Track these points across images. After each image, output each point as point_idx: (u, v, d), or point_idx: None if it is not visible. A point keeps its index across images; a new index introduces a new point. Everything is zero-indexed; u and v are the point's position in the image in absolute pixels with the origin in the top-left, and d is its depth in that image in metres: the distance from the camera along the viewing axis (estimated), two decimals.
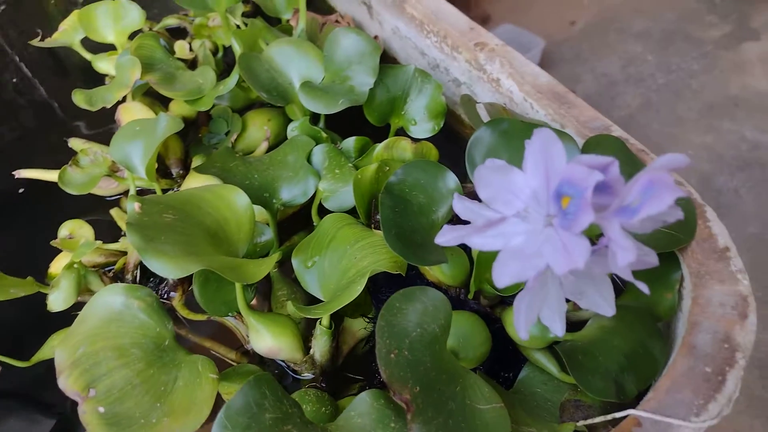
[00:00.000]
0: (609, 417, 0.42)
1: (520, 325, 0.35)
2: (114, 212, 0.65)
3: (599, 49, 2.55)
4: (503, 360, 0.53)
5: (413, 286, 0.41)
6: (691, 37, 2.49)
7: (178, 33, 0.84)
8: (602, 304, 0.37)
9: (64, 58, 0.85)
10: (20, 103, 0.81)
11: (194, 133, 0.74)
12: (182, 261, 0.41)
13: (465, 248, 0.52)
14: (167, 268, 0.40)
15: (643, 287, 0.32)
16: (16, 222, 0.68)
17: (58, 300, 0.53)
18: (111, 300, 0.43)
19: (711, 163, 2.10)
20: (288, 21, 0.78)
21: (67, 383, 0.39)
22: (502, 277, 0.32)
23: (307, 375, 0.54)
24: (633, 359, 0.44)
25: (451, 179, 0.50)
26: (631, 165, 0.52)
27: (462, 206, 0.37)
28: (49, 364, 0.42)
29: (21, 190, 0.70)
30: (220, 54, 0.79)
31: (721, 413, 0.40)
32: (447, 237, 0.37)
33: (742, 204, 1.95)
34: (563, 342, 0.45)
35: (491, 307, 0.54)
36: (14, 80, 0.81)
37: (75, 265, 0.55)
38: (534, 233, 0.33)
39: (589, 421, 0.43)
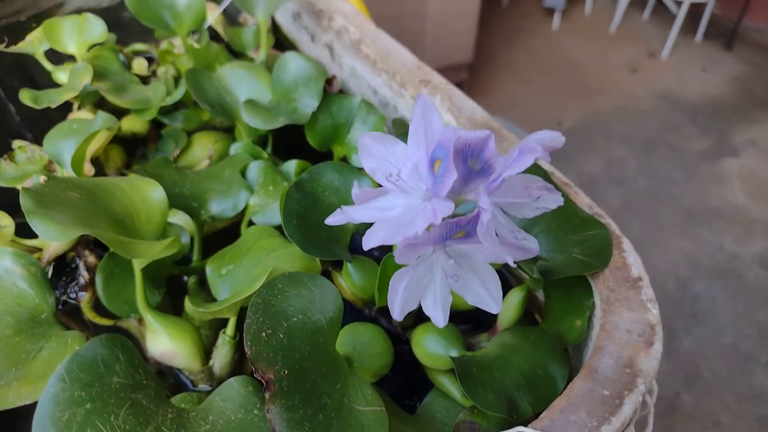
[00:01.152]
0: None
1: (394, 303, 0.34)
2: None
3: (584, 150, 2.63)
4: (410, 386, 0.51)
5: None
6: (673, 147, 2.58)
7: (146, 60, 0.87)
8: (487, 299, 0.36)
9: (32, 69, 0.86)
10: None
11: (142, 150, 0.74)
12: (70, 228, 0.40)
13: (378, 259, 0.51)
14: (51, 232, 0.39)
15: (510, 261, 0.30)
16: None
17: None
18: None
19: (689, 270, 2.11)
20: (251, 56, 0.81)
21: None
22: (370, 240, 0.31)
23: (204, 387, 0.51)
24: (532, 379, 0.42)
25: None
26: None
27: (359, 191, 0.36)
28: None
29: None
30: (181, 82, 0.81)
31: None
32: (336, 218, 0.37)
33: (718, 312, 1.94)
34: (461, 357, 0.43)
35: (404, 329, 0.51)
36: None
37: None
38: (411, 206, 0.33)
39: None
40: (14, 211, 0.61)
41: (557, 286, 0.50)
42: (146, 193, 0.50)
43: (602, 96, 2.83)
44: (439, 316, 0.35)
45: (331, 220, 0.37)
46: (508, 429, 0.39)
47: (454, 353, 0.45)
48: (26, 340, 0.39)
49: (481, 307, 0.36)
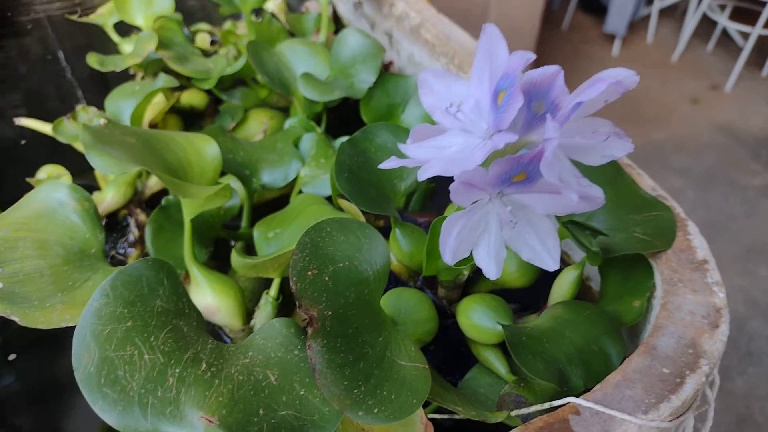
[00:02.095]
0: (546, 405, 0.37)
1: (446, 246, 0.32)
2: (98, 172, 0.65)
3: None
4: (451, 362, 0.49)
5: None
6: (734, 181, 2.47)
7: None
8: (544, 255, 0.34)
9: (96, 43, 0.90)
10: (41, 66, 0.86)
11: (199, 124, 0.75)
12: (124, 162, 0.40)
13: (426, 228, 0.50)
14: (106, 164, 0.39)
15: (574, 203, 0.29)
16: (11, 166, 0.71)
17: None
18: (49, 195, 0.42)
19: (746, 307, 2.02)
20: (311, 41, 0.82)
21: None
22: (425, 171, 0.29)
23: None
24: (585, 354, 0.39)
25: None
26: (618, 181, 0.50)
27: (415, 130, 0.35)
28: None
29: (23, 142, 0.72)
30: None
31: (675, 417, 0.35)
32: (390, 163, 0.36)
33: None
34: (511, 325, 0.41)
35: (449, 302, 0.50)
36: (48, 57, 0.86)
37: None
38: (470, 145, 0.31)
39: (524, 410, 0.38)
40: (71, 171, 0.63)
41: (614, 266, 0.47)
42: (201, 148, 0.51)
43: (661, 125, 2.75)
44: (491, 268, 0.33)
45: (386, 164, 0.36)
46: (557, 400, 0.37)
47: (500, 326, 0.43)
48: (74, 270, 0.39)
49: (536, 264, 0.34)
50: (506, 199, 0.33)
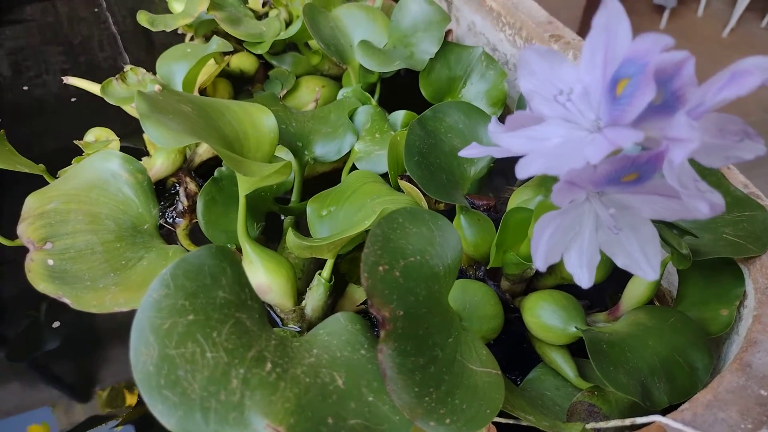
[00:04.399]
0: (627, 422, 0.34)
1: (537, 251, 0.29)
2: (146, 136, 0.63)
3: None
4: (513, 359, 0.46)
5: None
6: None
7: None
8: (642, 263, 0.31)
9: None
10: (85, 22, 0.84)
11: (248, 89, 0.72)
12: (182, 134, 0.37)
13: (494, 219, 0.46)
14: (164, 137, 0.37)
15: (704, 212, 0.25)
16: (60, 125, 0.70)
17: None
18: (102, 165, 0.40)
19: None
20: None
21: (27, 230, 0.35)
22: (525, 168, 0.26)
23: (294, 327, 0.48)
24: (669, 366, 0.36)
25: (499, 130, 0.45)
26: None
27: (512, 116, 0.32)
28: None
29: (73, 99, 0.70)
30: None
31: None
32: (472, 150, 0.33)
33: None
34: (590, 330, 0.38)
35: (512, 295, 0.47)
36: (95, 10, 0.84)
37: None
38: (574, 138, 0.28)
39: (602, 424, 0.35)
40: (118, 133, 0.61)
41: (697, 269, 0.43)
42: (257, 119, 0.48)
43: None
44: (583, 276, 0.30)
45: (469, 152, 0.32)
46: (640, 416, 0.34)
47: (574, 328, 0.40)
48: (127, 247, 0.37)
49: (633, 272, 0.31)
50: (606, 199, 0.30)
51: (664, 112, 0.27)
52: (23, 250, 0.38)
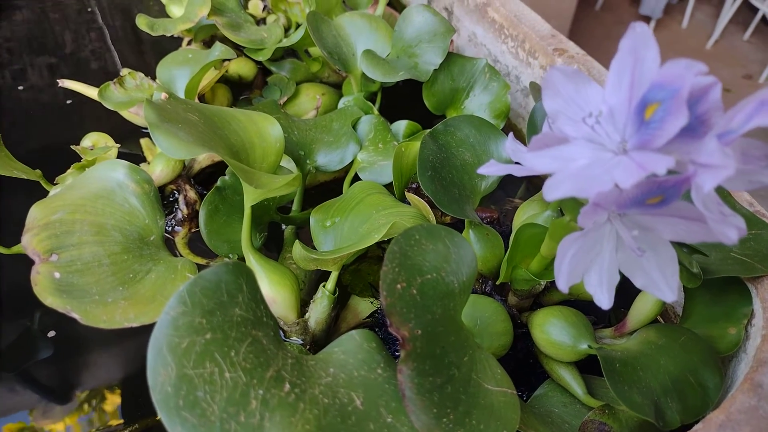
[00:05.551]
0: None
1: (560, 272, 0.29)
2: (144, 142, 0.62)
3: None
4: (519, 375, 0.46)
5: None
6: None
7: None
8: (661, 284, 0.31)
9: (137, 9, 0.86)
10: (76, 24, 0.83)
11: (246, 95, 0.71)
12: (192, 146, 0.37)
13: (502, 233, 0.46)
14: (174, 148, 0.36)
15: (731, 239, 0.25)
16: (55, 129, 0.69)
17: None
18: (108, 175, 0.39)
19: None
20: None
21: (31, 242, 0.34)
22: (553, 190, 0.26)
23: (296, 340, 0.47)
24: (680, 385, 0.36)
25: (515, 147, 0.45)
26: None
27: (538, 136, 0.31)
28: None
29: (69, 101, 0.69)
30: (292, 31, 0.78)
31: None
32: (491, 168, 0.32)
33: None
34: (603, 348, 0.38)
35: (519, 310, 0.47)
36: (88, 9, 0.83)
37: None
38: (600, 159, 0.28)
39: None
40: (114, 137, 0.60)
41: (704, 287, 0.44)
42: (263, 129, 0.47)
43: None
44: (603, 297, 0.30)
45: (487, 170, 0.32)
46: None
47: (584, 346, 0.40)
48: (134, 260, 0.36)
49: (651, 292, 0.31)
50: (628, 220, 0.30)
51: (688, 136, 0.27)
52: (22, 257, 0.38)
